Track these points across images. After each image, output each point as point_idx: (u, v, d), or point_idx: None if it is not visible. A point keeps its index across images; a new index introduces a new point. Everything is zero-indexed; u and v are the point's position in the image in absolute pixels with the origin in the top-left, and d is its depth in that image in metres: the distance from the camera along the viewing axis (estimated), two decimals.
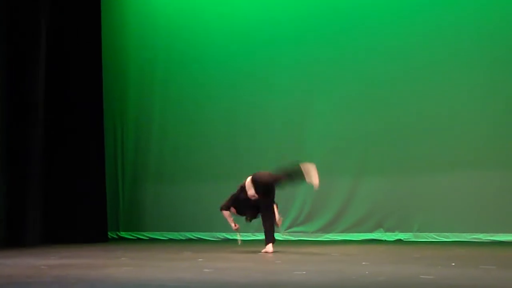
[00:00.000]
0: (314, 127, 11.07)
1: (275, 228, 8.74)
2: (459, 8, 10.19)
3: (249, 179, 8.58)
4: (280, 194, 11.01)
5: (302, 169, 8.32)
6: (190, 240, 11.65)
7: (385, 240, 10.35)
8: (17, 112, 11.04)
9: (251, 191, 8.47)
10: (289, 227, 11.18)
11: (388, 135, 10.55)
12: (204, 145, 11.83)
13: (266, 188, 8.50)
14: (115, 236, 12.49)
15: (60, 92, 11.63)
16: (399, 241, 10.26)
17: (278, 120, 11.35)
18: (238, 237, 9.06)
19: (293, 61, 11.26)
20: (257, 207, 8.58)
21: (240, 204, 8.65)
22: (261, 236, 11.07)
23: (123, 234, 12.55)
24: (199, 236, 11.78)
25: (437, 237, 10.10)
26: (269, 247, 8.57)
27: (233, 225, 8.79)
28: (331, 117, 10.97)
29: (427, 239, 10.14)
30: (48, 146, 11.34)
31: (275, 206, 8.69)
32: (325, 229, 10.90)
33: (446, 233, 10.07)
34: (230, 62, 11.75)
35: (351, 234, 10.67)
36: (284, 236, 11.09)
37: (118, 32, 12.66)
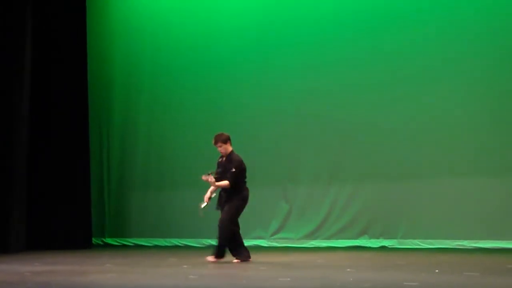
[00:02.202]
0: (299, 135, 11.09)
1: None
2: (457, 17, 10.22)
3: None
4: (264, 201, 11.08)
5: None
6: (175, 247, 11.62)
7: (370, 247, 10.37)
8: (0, 119, 10.98)
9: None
10: (274, 234, 11.18)
11: (373, 142, 10.58)
12: (191, 152, 11.81)
13: None
14: (100, 243, 12.43)
15: (45, 99, 11.58)
16: (383, 247, 10.29)
17: (266, 127, 11.36)
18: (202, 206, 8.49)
19: (283, 68, 11.24)
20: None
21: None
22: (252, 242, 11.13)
23: (108, 240, 12.49)
24: (184, 243, 11.75)
25: (421, 244, 10.14)
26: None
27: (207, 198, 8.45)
28: (315, 124, 10.98)
29: (412, 245, 10.17)
30: (33, 153, 11.27)
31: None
32: (310, 236, 10.91)
33: (430, 240, 10.11)
34: (217, 68, 11.74)
35: (336, 240, 10.68)
36: (269, 243, 11.10)
37: (104, 39, 12.62)
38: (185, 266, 8.12)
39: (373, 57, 10.66)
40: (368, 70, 10.65)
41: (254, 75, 11.47)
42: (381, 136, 10.54)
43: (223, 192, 8.44)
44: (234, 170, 8.30)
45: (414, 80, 10.39)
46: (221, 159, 8.53)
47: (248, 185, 8.49)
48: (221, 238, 8.29)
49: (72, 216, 11.42)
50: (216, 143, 8.42)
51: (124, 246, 12.13)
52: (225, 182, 8.32)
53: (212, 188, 8.52)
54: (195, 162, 11.74)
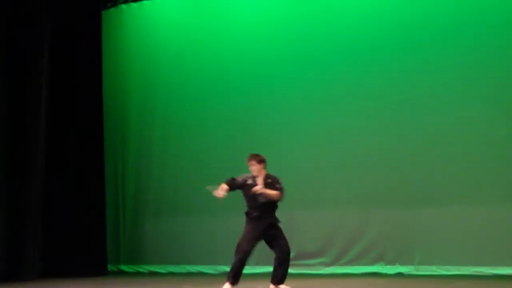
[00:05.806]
0: (316, 161, 11.06)
1: None
2: (471, 41, 10.24)
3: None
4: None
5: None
6: (190, 273, 11.58)
7: (386, 273, 10.27)
8: (16, 143, 11.07)
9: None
10: (290, 261, 11.10)
11: (389, 168, 10.53)
12: (205, 178, 11.77)
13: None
14: (115, 270, 12.43)
15: (61, 125, 11.70)
16: (399, 274, 10.19)
17: (277, 154, 11.34)
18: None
19: (292, 95, 11.28)
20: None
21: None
22: (261, 269, 11.06)
23: (123, 267, 12.48)
24: (199, 269, 11.71)
25: (438, 270, 10.03)
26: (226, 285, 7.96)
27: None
28: (329, 151, 10.97)
29: (428, 272, 10.06)
30: (48, 180, 11.34)
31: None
32: (326, 263, 10.84)
33: (448, 266, 10.00)
34: (229, 96, 11.80)
35: (351, 267, 10.60)
36: None
37: (119, 66, 12.76)
38: None
39: (386, 83, 10.67)
40: (385, 96, 10.65)
41: (268, 105, 11.48)
42: (397, 161, 10.50)
43: (267, 215, 8.08)
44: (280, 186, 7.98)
45: (432, 107, 10.36)
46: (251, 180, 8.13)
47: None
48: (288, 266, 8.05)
49: (87, 243, 11.45)
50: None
51: (138, 273, 12.11)
52: (276, 192, 7.87)
53: (226, 187, 8.11)
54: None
